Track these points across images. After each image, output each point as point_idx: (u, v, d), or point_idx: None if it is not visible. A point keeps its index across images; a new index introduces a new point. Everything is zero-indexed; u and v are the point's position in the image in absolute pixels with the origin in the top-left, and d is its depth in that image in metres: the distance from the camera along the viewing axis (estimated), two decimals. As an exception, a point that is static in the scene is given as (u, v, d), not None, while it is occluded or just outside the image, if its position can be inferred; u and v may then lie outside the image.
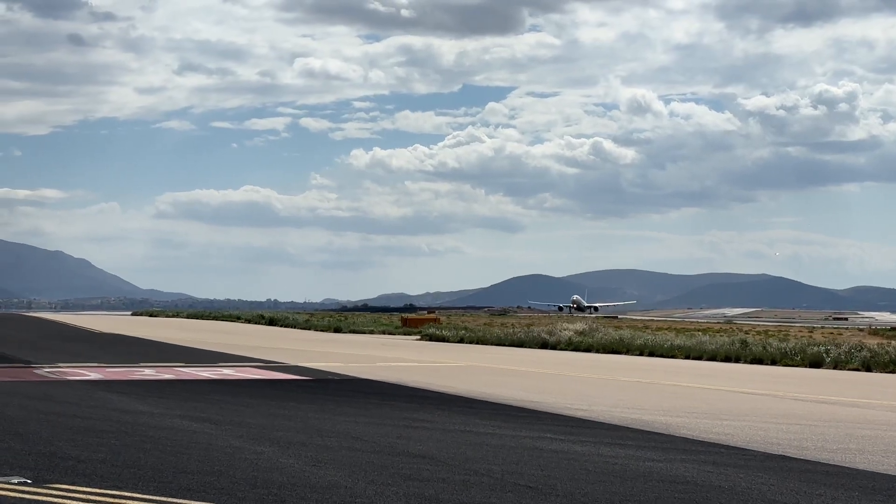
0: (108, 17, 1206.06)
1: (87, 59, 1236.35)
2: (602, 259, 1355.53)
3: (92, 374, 38.72)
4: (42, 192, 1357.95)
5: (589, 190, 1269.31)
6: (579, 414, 27.32)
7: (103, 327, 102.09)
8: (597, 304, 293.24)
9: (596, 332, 72.96)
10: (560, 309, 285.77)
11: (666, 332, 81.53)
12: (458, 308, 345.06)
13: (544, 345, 70.24)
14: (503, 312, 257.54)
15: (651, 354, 61.94)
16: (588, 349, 66.46)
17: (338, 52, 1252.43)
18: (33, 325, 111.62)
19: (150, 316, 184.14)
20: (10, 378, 36.13)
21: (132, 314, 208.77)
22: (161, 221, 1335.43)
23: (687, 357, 59.43)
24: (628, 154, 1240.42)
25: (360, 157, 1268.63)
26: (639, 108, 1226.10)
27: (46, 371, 39.66)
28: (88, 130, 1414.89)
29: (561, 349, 67.99)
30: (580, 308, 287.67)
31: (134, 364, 44.90)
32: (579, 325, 78.10)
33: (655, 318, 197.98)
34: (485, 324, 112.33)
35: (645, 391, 35.79)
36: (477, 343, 76.07)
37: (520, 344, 72.34)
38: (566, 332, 73.41)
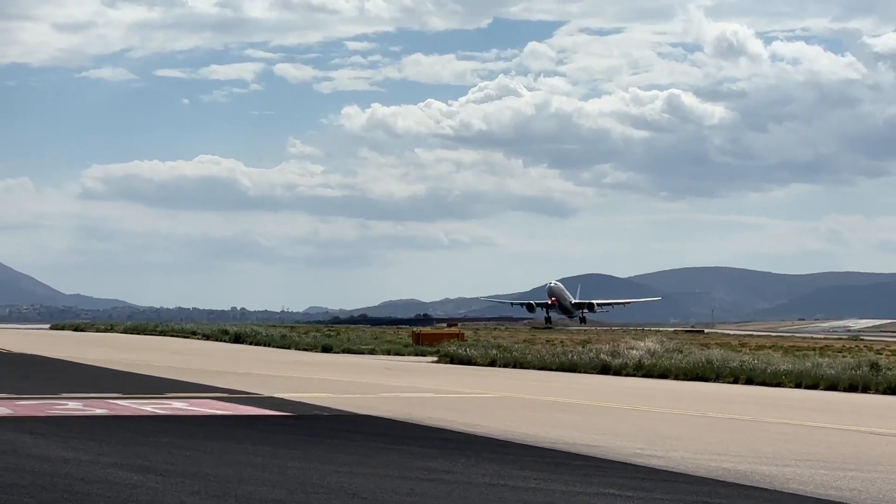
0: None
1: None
2: (681, 254, 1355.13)
3: (-3, 408, 38.87)
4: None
5: (663, 160, 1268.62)
6: (653, 462, 27.29)
7: (12, 345, 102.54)
8: (596, 301, 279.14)
9: (675, 353, 72.91)
10: (530, 309, 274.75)
11: (769, 351, 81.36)
12: (489, 319, 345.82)
13: (605, 369, 70.22)
14: (549, 326, 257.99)
15: (749, 382, 61.86)
16: (664, 375, 66.44)
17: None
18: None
19: (76, 330, 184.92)
20: None
21: (51, 327, 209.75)
22: (88, 204, 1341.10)
23: (798, 385, 59.34)
24: (716, 111, 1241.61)
25: (354, 117, 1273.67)
26: (730, 50, 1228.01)
27: (-64, 404, 39.82)
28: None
29: (627, 374, 68.00)
30: (564, 308, 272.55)
31: (54, 395, 45.07)
32: (652, 344, 78.08)
33: (755, 333, 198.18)
34: (524, 341, 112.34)
35: (741, 431, 35.74)
36: (514, 366, 76.11)
37: (572, 368, 72.35)
38: (635, 352, 73.42)
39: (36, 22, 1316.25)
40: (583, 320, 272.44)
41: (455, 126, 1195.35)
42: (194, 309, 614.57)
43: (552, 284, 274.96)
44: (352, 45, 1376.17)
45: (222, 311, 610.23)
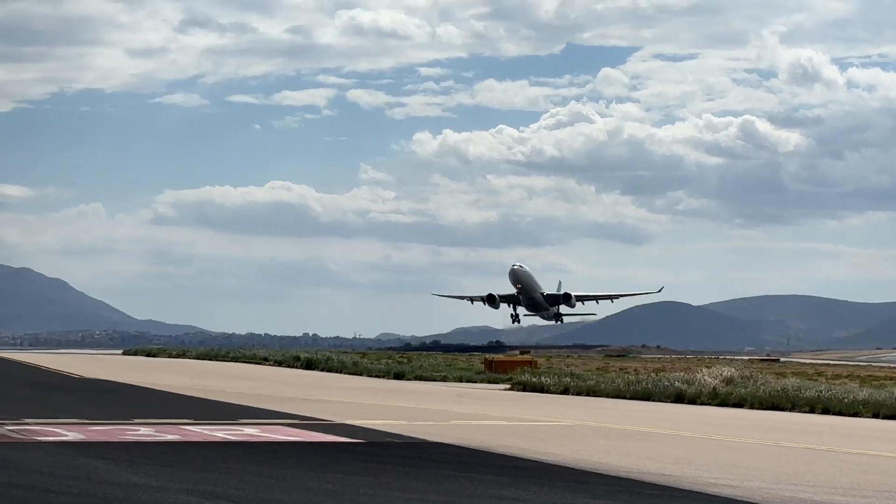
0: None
1: (61, 11, 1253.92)
2: (756, 282, 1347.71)
3: (70, 433, 39.12)
4: (2, 190, 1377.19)
5: (738, 187, 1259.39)
6: (727, 492, 27.13)
7: (85, 371, 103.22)
8: (574, 294, 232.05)
9: (750, 381, 72.48)
10: (492, 303, 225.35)
11: (846, 380, 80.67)
12: (562, 347, 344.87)
13: (679, 397, 69.91)
14: (623, 354, 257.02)
15: (826, 412, 61.39)
16: (739, 404, 66.09)
17: (397, 0, 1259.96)
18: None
19: (148, 356, 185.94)
20: (-37, 438, 36.59)
21: (124, 353, 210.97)
22: (160, 229, 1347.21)
23: (875, 415, 58.83)
24: (791, 138, 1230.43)
25: (426, 143, 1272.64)
26: (805, 77, 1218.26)
27: (9, 430, 40.13)
28: (64, 106, 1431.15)
29: (702, 403, 67.68)
30: (534, 303, 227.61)
31: (126, 421, 45.31)
32: (727, 372, 77.68)
33: (831, 362, 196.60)
34: (598, 368, 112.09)
35: (817, 461, 35.47)
36: (587, 394, 75.87)
37: (646, 396, 72.06)
38: (710, 380, 73.05)
39: (109, 48, 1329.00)
40: (558, 318, 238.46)
41: (527, 152, 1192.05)
42: (266, 335, 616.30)
43: (516, 267, 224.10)
44: (424, 70, 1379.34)
45: (294, 336, 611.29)
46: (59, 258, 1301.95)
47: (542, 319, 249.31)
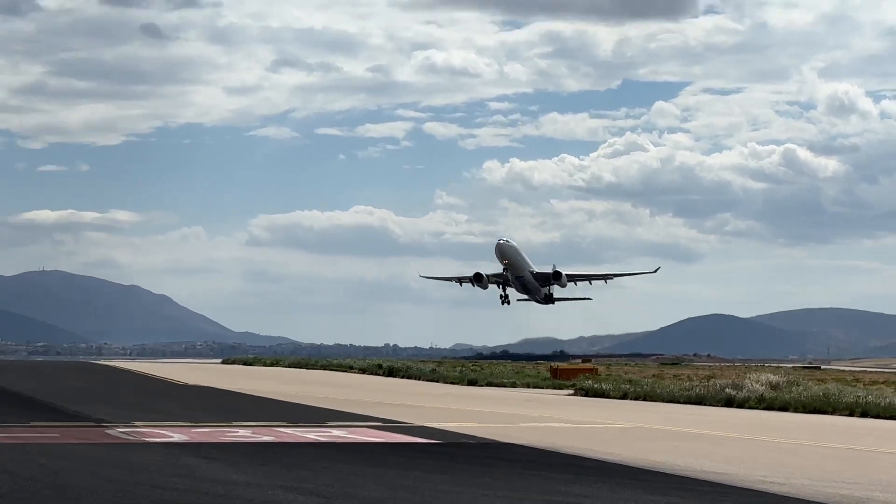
0: (189, 2, 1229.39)
1: (165, 54, 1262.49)
2: (799, 296, 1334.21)
3: (175, 435, 39.33)
4: (113, 215, 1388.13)
5: (781, 209, 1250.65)
6: (774, 489, 26.92)
7: (188, 378, 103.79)
8: (566, 272, 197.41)
9: (794, 387, 71.97)
10: (479, 282, 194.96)
11: (882, 386, 79.82)
12: (621, 356, 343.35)
13: (729, 402, 69.46)
14: (676, 361, 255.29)
15: (864, 415, 60.82)
16: (783, 408, 65.59)
17: (468, 41, 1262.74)
18: (105, 375, 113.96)
19: (245, 364, 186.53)
20: (79, 440, 36.89)
21: (223, 362, 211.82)
22: (255, 250, 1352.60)
23: (911, 418, 58.23)
24: (829, 165, 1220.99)
25: (495, 171, 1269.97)
26: (842, 108, 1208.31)
27: (121, 431, 40.41)
28: (168, 139, 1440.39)
29: (750, 407, 67.21)
30: (523, 283, 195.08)
31: (226, 423, 45.50)
32: (773, 378, 77.15)
33: (869, 370, 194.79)
34: (654, 375, 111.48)
35: (858, 461, 35.14)
36: (644, 399, 75.52)
37: (698, 401, 71.65)
38: (757, 386, 72.56)
39: (209, 86, 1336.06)
40: (549, 299, 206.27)
41: (587, 178, 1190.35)
42: (351, 345, 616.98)
43: (502, 242, 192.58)
44: (493, 105, 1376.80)
45: (376, 347, 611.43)
46: (165, 276, 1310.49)
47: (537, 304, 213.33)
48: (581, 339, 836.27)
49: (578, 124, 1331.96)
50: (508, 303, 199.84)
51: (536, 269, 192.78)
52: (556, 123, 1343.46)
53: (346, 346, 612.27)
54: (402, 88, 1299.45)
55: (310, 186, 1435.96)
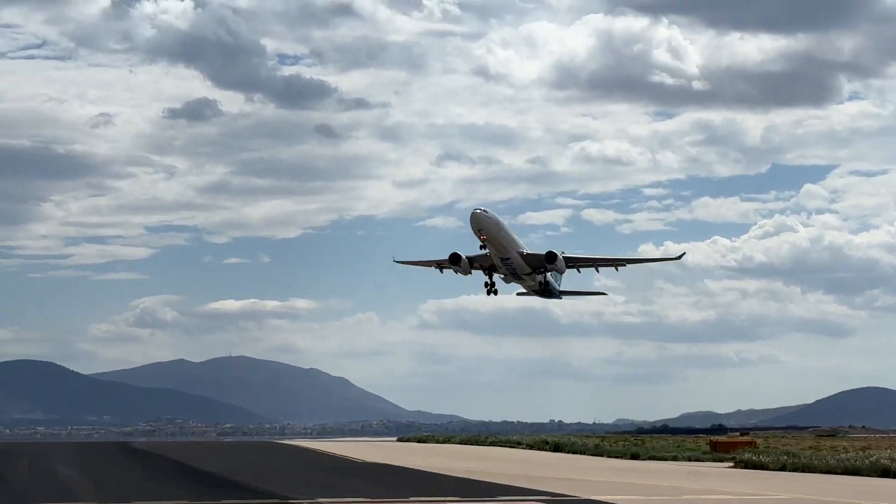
0: (360, 104, 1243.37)
1: (339, 152, 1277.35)
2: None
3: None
4: (293, 303, 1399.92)
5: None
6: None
7: (367, 456, 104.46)
8: (565, 254, 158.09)
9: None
10: (456, 263, 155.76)
11: None
12: (778, 429, 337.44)
13: (885, 472, 68.07)
14: (832, 434, 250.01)
15: None
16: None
17: (622, 132, 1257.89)
18: (288, 454, 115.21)
19: (419, 442, 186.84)
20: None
21: (398, 440, 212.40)
22: (425, 332, 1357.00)
23: None
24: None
25: (650, 254, 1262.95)
26: None
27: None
28: (343, 231, 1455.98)
29: (905, 477, 65.82)
30: (510, 265, 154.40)
31: (403, 499, 45.86)
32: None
33: None
34: (810, 447, 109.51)
35: None
36: (801, 471, 74.29)
37: (854, 472, 70.31)
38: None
39: (379, 180, 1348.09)
40: (545, 291, 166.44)
41: (739, 259, 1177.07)
42: (518, 422, 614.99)
43: (479, 211, 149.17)
44: (648, 191, 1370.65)
45: (542, 423, 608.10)
46: (341, 359, 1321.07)
47: (541, 298, 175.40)
48: (738, 412, 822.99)
49: (730, 207, 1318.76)
50: (496, 292, 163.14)
51: (528, 250, 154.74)
52: (708, 207, 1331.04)
53: (512, 422, 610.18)
54: (560, 178, 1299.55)
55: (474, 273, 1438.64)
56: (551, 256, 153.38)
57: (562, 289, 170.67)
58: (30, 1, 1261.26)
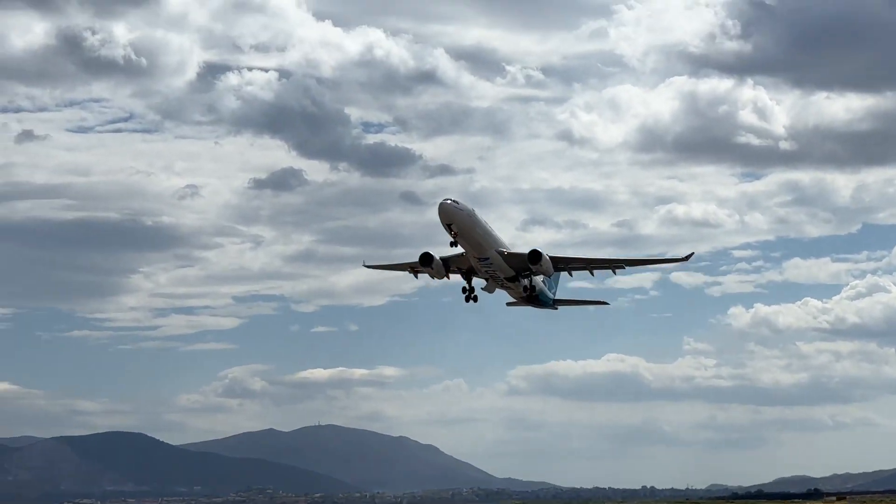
0: (444, 170, 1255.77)
1: (424, 218, 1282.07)
2: None
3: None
4: (381, 371, 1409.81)
5: None
6: None
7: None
8: (552, 255, 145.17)
9: None
10: (426, 264, 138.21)
11: None
12: (875, 492, 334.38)
13: None
14: (472, 298, 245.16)
15: None
16: None
17: (709, 194, 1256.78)
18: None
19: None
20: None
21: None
22: (514, 399, 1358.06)
23: None
24: None
25: (740, 316, 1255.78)
26: None
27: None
28: (429, 299, 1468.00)
29: None
30: (489, 266, 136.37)
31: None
32: None
33: None
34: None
35: None
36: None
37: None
38: None
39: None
40: (531, 297, 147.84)
41: (831, 321, 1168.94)
42: (609, 488, 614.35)
43: (448, 202, 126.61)
44: (737, 253, 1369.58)
45: (633, 489, 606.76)
46: (430, 427, 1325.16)
47: (535, 308, 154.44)
48: (834, 476, 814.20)
49: (821, 269, 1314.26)
50: (475, 300, 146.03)
51: (510, 249, 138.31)
52: (799, 268, 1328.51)
53: (604, 488, 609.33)
54: (646, 241, 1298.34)
55: (562, 339, 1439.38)
56: (535, 256, 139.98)
57: (557, 297, 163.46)
58: (117, 75, 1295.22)
